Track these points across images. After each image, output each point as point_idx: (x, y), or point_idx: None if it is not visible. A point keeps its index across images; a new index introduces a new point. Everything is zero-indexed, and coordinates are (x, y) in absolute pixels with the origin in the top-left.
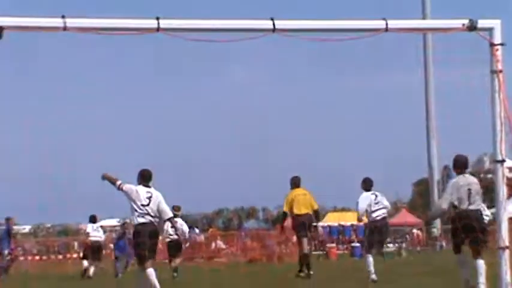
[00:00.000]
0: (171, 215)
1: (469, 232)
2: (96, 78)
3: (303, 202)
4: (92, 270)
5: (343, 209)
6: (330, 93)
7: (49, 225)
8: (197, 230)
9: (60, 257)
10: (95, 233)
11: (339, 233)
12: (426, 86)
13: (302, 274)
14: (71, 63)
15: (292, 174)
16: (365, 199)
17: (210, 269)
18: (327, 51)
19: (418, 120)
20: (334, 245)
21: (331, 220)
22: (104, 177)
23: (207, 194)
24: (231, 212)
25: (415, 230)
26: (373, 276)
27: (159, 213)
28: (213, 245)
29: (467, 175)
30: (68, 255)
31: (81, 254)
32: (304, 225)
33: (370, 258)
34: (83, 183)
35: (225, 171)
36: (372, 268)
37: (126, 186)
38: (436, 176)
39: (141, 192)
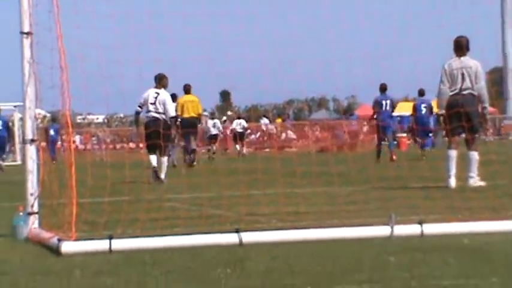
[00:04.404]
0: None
1: (462, 120)
2: None
3: (190, 107)
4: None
5: (414, 99)
6: None
7: (122, 115)
8: (267, 120)
9: (133, 145)
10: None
11: (409, 123)
12: None
13: (195, 164)
14: None
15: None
16: None
17: (281, 157)
18: None
19: (493, 6)
20: (404, 134)
21: (402, 110)
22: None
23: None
24: (302, 102)
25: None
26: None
27: (165, 110)
28: (283, 135)
29: (463, 58)
30: (141, 145)
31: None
32: (190, 126)
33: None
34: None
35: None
36: None
37: (141, 101)
38: (511, 65)
39: (151, 93)
